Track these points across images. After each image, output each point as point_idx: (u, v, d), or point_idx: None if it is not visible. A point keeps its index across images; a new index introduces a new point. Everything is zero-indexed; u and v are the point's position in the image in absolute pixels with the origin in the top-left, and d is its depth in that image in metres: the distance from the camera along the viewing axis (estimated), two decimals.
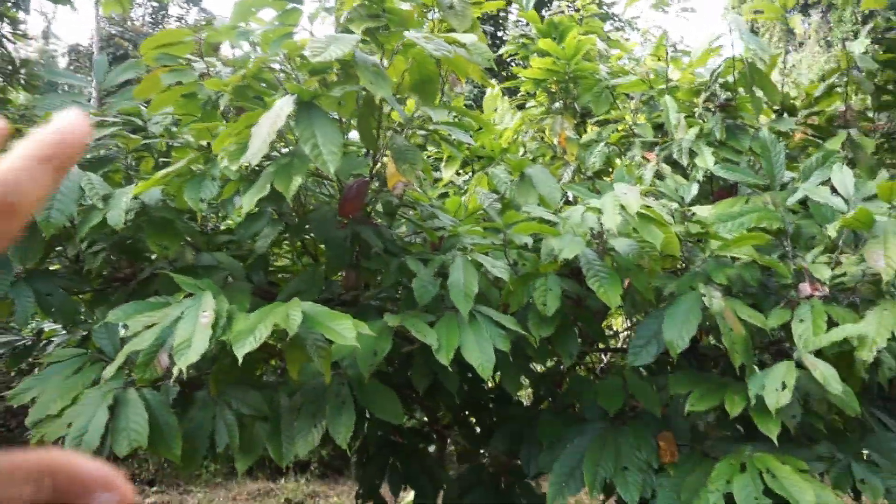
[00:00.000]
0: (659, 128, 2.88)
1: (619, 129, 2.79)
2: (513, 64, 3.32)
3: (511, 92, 4.01)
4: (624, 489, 1.83)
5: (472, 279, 1.66)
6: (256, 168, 1.52)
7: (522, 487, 2.33)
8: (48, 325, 3.64)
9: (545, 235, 1.94)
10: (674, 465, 1.90)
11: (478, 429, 2.63)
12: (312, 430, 1.58)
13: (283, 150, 1.73)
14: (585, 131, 3.15)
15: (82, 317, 2.05)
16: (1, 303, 1.78)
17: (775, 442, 1.60)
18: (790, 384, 1.58)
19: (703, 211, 1.90)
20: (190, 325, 1.37)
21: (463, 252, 1.80)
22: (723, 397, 1.78)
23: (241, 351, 1.28)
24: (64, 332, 3.24)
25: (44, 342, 3.31)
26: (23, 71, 4.16)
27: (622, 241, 1.88)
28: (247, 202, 1.45)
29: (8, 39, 4.46)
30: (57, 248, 2.09)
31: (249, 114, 1.39)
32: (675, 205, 1.97)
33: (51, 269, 2.05)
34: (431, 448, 2.77)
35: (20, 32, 4.45)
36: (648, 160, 2.35)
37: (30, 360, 3.31)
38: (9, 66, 4.15)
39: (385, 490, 2.57)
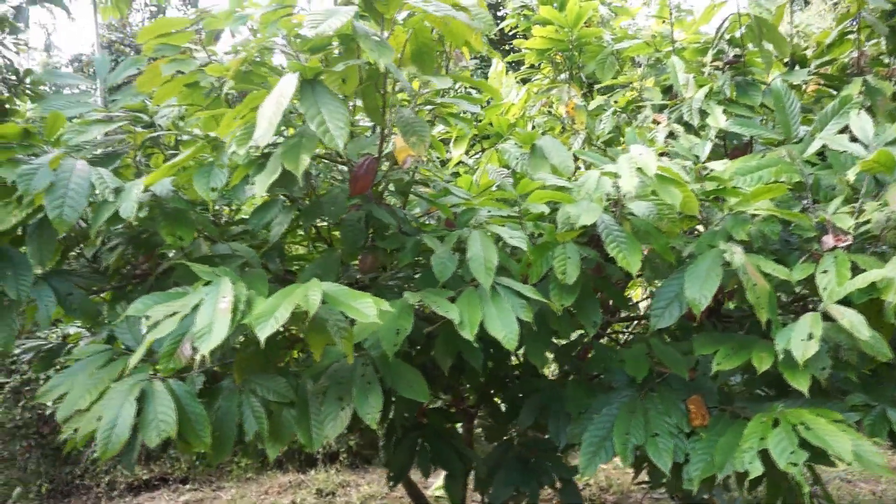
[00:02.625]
0: (667, 91, 2.83)
1: (627, 94, 2.74)
2: (515, 38, 3.26)
3: (515, 67, 3.96)
4: (656, 455, 1.81)
5: (491, 252, 1.64)
6: (265, 152, 1.51)
7: (552, 461, 2.32)
8: (73, 328, 3.69)
9: (560, 203, 1.92)
10: (704, 428, 1.88)
11: (503, 406, 2.62)
12: (340, 412, 1.58)
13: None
14: (593, 100, 3.10)
15: (104, 315, 2.06)
16: (28, 308, 1.78)
17: (806, 394, 1.57)
18: (817, 334, 1.55)
19: (720, 167, 1.85)
20: (209, 312, 1.37)
21: (479, 226, 1.78)
22: (749, 355, 1.76)
23: (263, 333, 1.28)
24: (89, 334, 3.28)
25: (70, 345, 3.36)
26: (27, 81, 4.17)
27: (640, 203, 1.85)
28: (259, 186, 1.43)
29: (6, 48, 4.45)
30: (75, 250, 2.10)
31: (252, 95, 1.38)
32: (689, 163, 1.94)
33: (68, 269, 2.06)
34: (458, 428, 2.77)
35: (21, 42, 4.46)
36: (659, 122, 2.30)
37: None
38: (13, 77, 4.16)
39: (414, 474, 2.58)
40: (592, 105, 2.66)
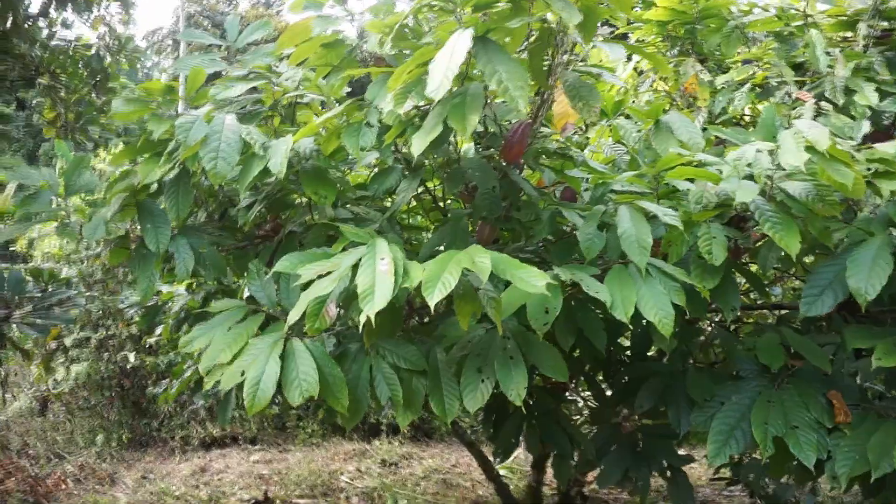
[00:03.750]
0: (797, 68, 2.66)
1: (762, 70, 2.59)
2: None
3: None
4: (797, 448, 1.72)
5: (644, 229, 1.57)
6: (421, 112, 1.46)
7: (663, 448, 2.25)
8: (165, 287, 3.80)
9: (700, 180, 1.82)
10: (847, 425, 1.78)
11: (604, 387, 2.56)
12: (480, 385, 1.54)
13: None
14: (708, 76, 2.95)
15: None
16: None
17: None
18: None
19: (889, 148, 1.72)
20: (370, 273, 1.34)
21: (626, 202, 1.70)
22: None
23: (434, 299, 1.24)
24: (185, 292, 3.36)
25: (166, 302, 3.45)
26: (128, 47, 4.27)
27: (794, 183, 1.73)
28: (417, 145, 1.39)
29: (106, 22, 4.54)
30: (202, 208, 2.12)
31: (422, 50, 1.33)
32: (849, 142, 1.80)
33: (195, 226, 2.08)
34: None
35: (125, 11, 4.56)
36: (803, 100, 2.16)
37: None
38: (115, 43, 4.27)
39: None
40: (721, 80, 2.52)
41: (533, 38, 1.47)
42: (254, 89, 1.78)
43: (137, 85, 1.78)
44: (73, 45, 4.14)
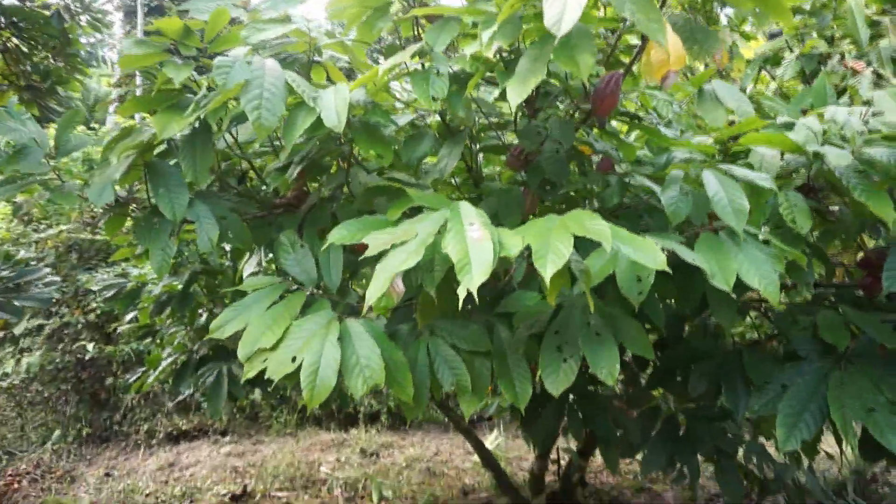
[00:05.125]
0: (829, 41, 2.58)
1: (809, 41, 2.49)
2: None
3: None
4: (878, 432, 1.62)
5: (737, 192, 1.42)
6: (511, 57, 1.27)
7: (710, 430, 2.14)
8: (136, 270, 3.48)
9: (773, 147, 1.69)
10: None
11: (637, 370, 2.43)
12: (562, 365, 1.38)
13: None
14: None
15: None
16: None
17: None
18: None
19: None
20: (460, 241, 1.15)
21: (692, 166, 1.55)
22: None
23: (549, 270, 1.06)
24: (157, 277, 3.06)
25: (144, 285, 3.14)
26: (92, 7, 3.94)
27: (880, 149, 1.62)
28: (515, 94, 1.20)
29: None
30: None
31: None
32: None
33: (212, 191, 1.83)
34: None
35: None
36: (857, 70, 2.07)
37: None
38: (78, 5, 3.92)
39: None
40: (759, 50, 2.41)
41: None
42: (293, 33, 1.54)
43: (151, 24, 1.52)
44: (28, 4, 3.73)
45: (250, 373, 1.37)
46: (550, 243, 1.10)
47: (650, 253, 1.12)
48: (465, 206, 1.22)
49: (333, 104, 1.33)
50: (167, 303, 3.07)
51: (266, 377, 1.34)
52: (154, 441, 5.54)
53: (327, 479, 4.88)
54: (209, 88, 1.41)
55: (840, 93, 2.10)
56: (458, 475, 5.16)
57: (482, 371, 1.51)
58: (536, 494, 3.58)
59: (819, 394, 1.76)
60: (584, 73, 1.16)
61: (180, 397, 4.48)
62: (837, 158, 1.46)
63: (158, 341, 3.60)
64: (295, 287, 1.55)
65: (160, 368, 3.23)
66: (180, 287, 3.02)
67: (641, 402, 2.27)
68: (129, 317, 3.67)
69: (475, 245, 1.13)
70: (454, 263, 1.10)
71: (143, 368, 3.43)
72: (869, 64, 2.19)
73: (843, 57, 2.27)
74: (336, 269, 1.57)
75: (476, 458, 5.47)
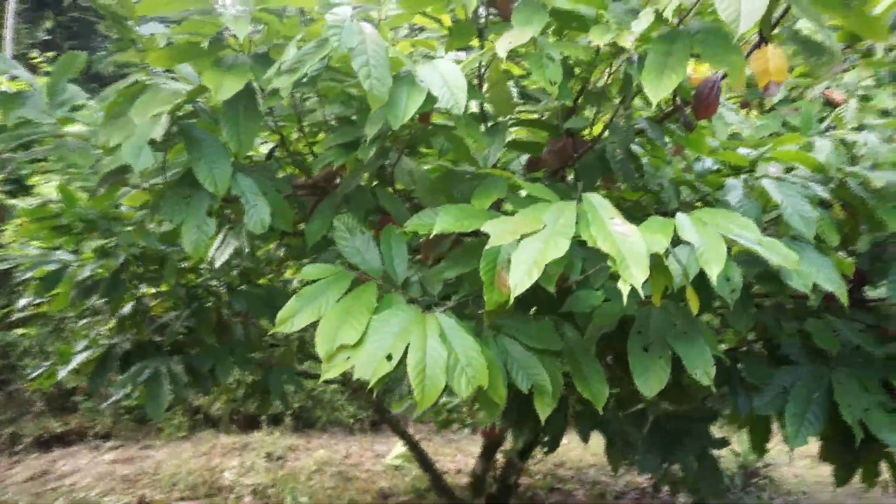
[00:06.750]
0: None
1: None
2: None
3: None
4: (878, 430, 1.78)
5: (800, 200, 1.49)
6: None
7: (696, 430, 2.23)
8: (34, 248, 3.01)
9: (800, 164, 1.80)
10: None
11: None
12: (652, 365, 1.36)
13: None
14: None
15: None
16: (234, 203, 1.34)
17: None
18: None
19: None
20: (606, 235, 1.09)
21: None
22: None
23: (714, 271, 1.03)
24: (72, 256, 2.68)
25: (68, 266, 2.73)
26: None
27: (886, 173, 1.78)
28: (654, 92, 1.15)
29: None
30: None
31: None
32: None
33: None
34: None
35: None
36: (836, 100, 2.26)
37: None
38: None
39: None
40: None
41: None
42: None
43: None
44: None
45: (330, 373, 1.20)
46: (715, 245, 1.07)
47: (781, 253, 1.13)
48: (597, 199, 1.16)
49: (443, 81, 1.21)
50: (93, 288, 2.68)
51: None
52: (20, 447, 4.82)
53: (234, 486, 4.53)
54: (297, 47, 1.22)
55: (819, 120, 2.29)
56: (371, 478, 5.01)
57: (555, 371, 1.45)
58: (477, 496, 3.57)
59: (817, 394, 1.90)
60: (738, 73, 1.15)
61: (113, 398, 3.94)
62: (878, 180, 1.58)
63: (61, 331, 3.15)
64: (367, 277, 1.39)
65: (73, 363, 2.81)
66: (109, 273, 2.66)
67: (631, 404, 2.32)
68: (22, 302, 3.18)
69: (624, 240, 1.08)
70: (611, 258, 1.04)
71: (49, 362, 2.98)
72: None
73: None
74: (401, 260, 1.43)
75: (387, 460, 5.36)
